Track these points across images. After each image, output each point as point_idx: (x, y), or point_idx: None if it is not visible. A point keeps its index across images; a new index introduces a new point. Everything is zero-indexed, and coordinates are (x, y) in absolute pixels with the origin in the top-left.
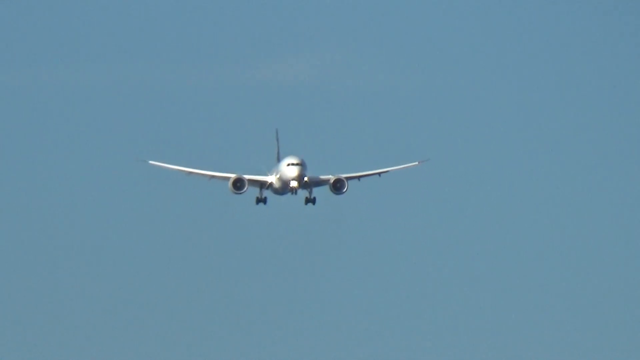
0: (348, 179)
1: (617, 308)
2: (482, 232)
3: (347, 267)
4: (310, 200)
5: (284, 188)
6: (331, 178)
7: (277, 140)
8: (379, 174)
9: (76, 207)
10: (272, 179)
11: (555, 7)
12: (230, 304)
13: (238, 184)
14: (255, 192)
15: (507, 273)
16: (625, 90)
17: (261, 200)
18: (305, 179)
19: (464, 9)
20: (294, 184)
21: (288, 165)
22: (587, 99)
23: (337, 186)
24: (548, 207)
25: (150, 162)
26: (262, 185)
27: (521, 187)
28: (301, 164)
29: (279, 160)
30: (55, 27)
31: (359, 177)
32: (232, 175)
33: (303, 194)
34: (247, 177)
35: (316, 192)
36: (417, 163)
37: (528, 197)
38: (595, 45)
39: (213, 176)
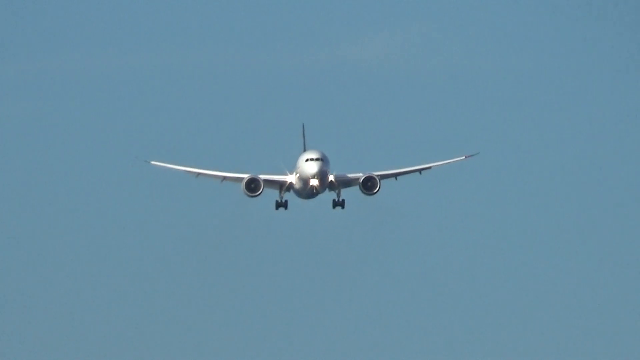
0: (382, 177)
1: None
2: (539, 235)
3: (379, 279)
4: (339, 204)
5: (305, 188)
6: (361, 176)
7: (304, 136)
8: (420, 170)
9: (73, 213)
10: (291, 178)
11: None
12: (246, 322)
13: (252, 186)
14: (275, 195)
15: (558, 274)
16: None
17: (281, 204)
18: (332, 178)
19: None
20: (314, 182)
21: (307, 160)
22: None
23: (368, 185)
24: (600, 203)
25: (153, 162)
26: (282, 186)
27: (575, 186)
28: (322, 159)
29: None
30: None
31: (395, 175)
32: (245, 176)
33: (330, 196)
34: (263, 177)
35: (345, 193)
36: (463, 158)
37: (581, 194)
38: None
39: (225, 177)
